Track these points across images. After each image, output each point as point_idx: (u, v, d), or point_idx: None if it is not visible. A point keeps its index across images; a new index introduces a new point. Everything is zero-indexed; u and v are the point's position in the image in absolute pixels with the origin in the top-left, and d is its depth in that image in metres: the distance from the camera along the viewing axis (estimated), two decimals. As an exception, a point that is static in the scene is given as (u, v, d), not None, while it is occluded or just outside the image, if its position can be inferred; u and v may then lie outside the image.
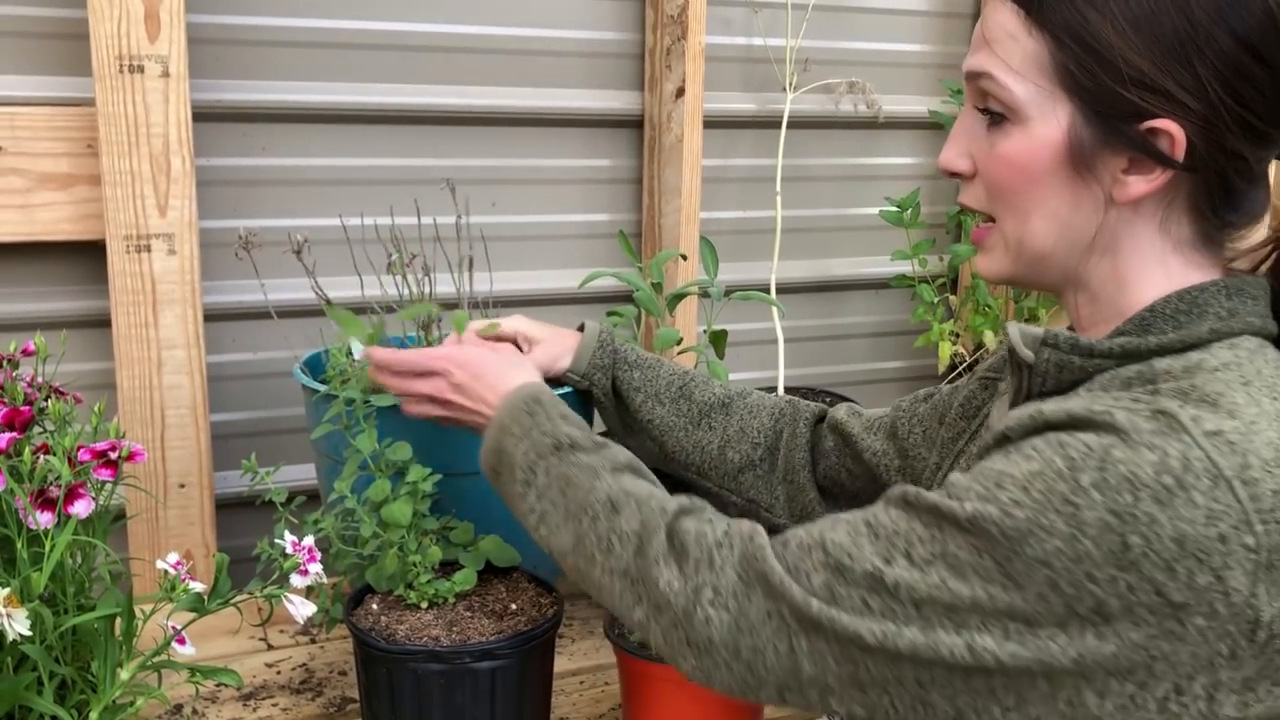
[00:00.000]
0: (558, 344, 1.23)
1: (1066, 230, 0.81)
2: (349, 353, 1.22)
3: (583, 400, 1.30)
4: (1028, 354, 0.81)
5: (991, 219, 0.85)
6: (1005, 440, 0.74)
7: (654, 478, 0.94)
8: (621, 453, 0.95)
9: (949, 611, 0.70)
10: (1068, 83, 0.77)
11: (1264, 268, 0.85)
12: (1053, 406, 0.73)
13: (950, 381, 1.13)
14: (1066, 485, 0.67)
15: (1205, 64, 0.74)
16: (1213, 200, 0.79)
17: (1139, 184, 0.77)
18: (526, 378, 1.06)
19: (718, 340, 1.51)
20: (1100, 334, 0.83)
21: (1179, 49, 0.74)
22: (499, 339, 1.23)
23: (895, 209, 1.81)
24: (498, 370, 1.08)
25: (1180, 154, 0.75)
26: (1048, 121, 0.78)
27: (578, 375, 1.24)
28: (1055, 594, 0.67)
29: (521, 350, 1.22)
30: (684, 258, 1.67)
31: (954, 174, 0.86)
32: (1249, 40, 0.74)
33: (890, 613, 0.71)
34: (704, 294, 1.50)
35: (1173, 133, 0.75)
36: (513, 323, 1.24)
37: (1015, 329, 0.82)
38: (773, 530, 0.82)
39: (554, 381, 1.22)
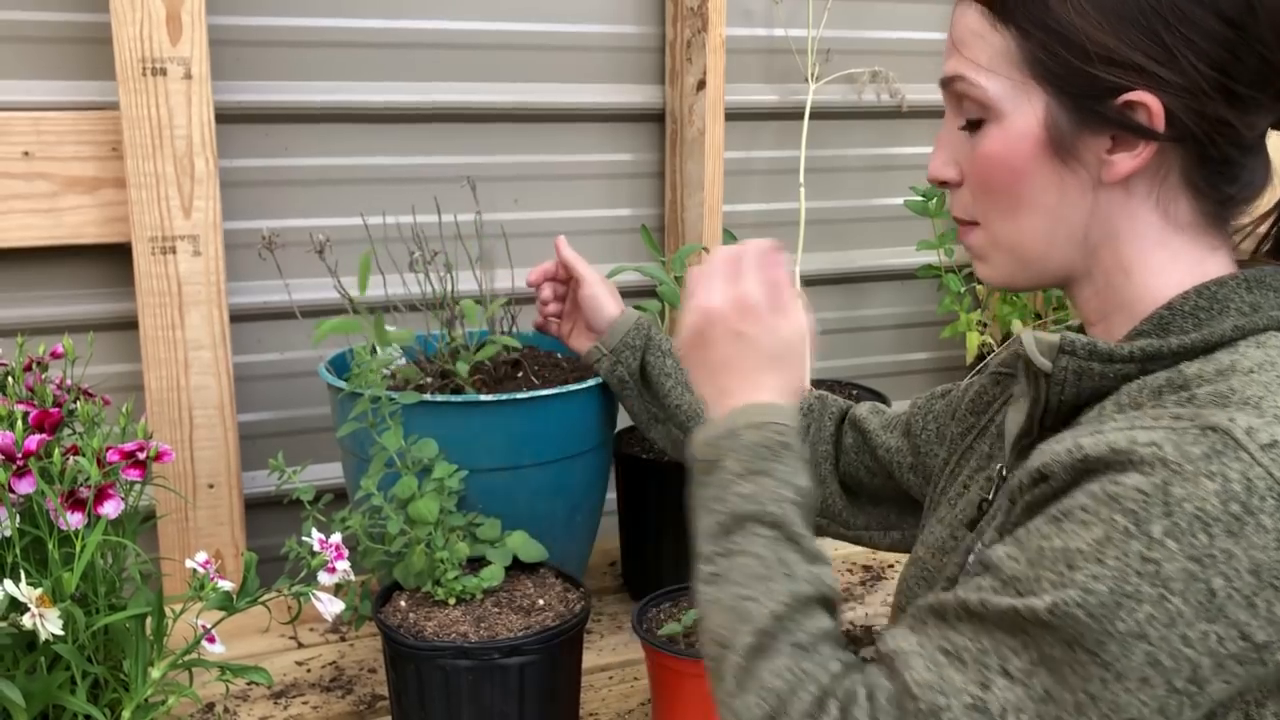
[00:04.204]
0: (608, 295, 1.27)
1: (1059, 223, 0.79)
2: (373, 350, 1.22)
3: (607, 395, 1.30)
4: (1045, 363, 0.78)
5: (974, 223, 0.84)
6: (1043, 479, 0.70)
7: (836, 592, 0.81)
8: (825, 574, 0.80)
9: None
10: (1038, 71, 0.76)
11: (1267, 245, 0.82)
12: (1091, 439, 0.68)
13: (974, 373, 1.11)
14: (1140, 542, 0.63)
15: (1173, 33, 0.72)
16: (1207, 173, 0.76)
17: (1125, 161, 0.75)
18: (787, 399, 0.86)
19: (742, 333, 1.50)
20: (1111, 328, 0.81)
21: (1144, 21, 0.72)
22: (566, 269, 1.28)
23: (920, 198, 1.80)
24: (780, 356, 0.86)
25: (1160, 124, 0.73)
26: (1023, 113, 0.77)
27: (605, 350, 1.25)
28: (1157, 673, 0.63)
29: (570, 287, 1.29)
30: (707, 251, 1.66)
31: (943, 183, 0.85)
32: (1218, 6, 0.72)
33: None
34: (728, 287, 1.50)
35: (1148, 103, 0.73)
36: (589, 272, 1.28)
37: (1029, 336, 0.80)
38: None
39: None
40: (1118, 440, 0.67)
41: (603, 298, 1.27)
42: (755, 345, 0.85)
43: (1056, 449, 0.70)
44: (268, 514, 1.55)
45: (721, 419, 0.84)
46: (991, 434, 0.95)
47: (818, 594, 0.77)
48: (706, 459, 0.83)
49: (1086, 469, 0.67)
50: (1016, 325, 1.83)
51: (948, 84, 0.82)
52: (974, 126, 0.80)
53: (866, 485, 1.16)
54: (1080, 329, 0.94)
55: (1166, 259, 0.78)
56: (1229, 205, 0.79)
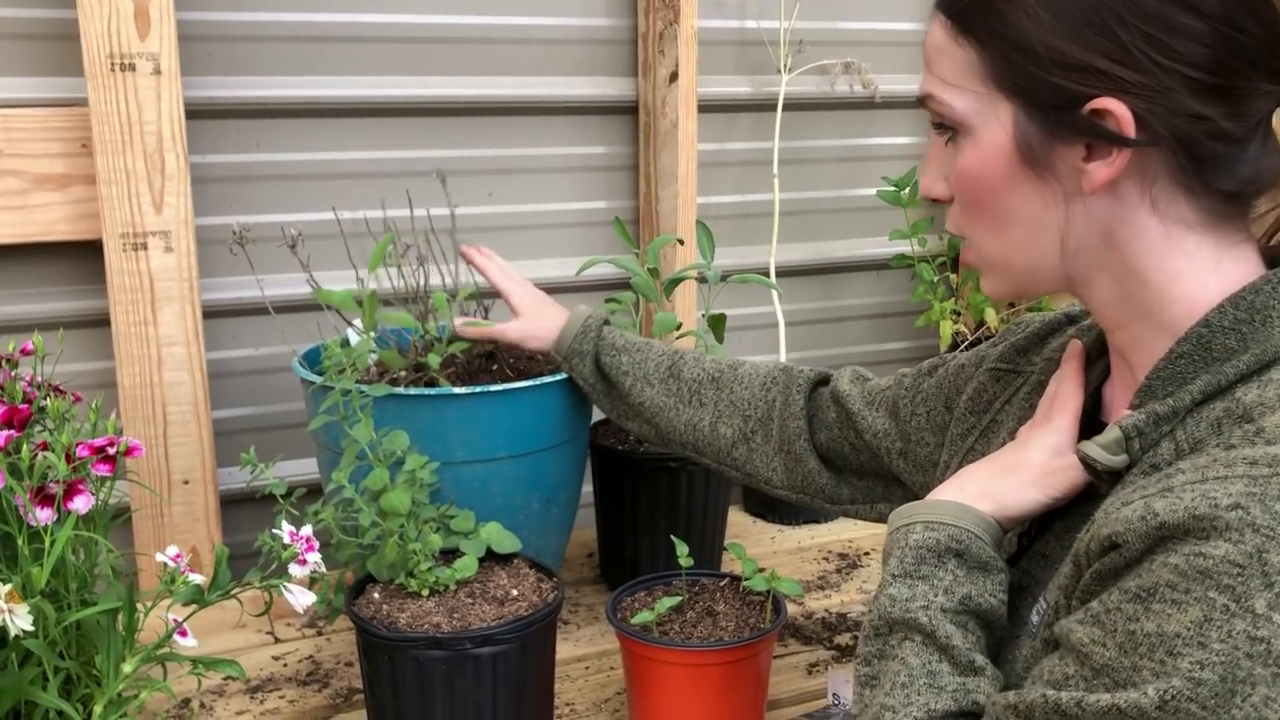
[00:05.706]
0: (535, 323, 1.28)
1: (1044, 235, 0.77)
2: (345, 343, 1.22)
3: (578, 388, 1.31)
4: (1121, 460, 0.74)
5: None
6: (1114, 548, 0.66)
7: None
8: (977, 684, 0.76)
9: None
10: (1001, 82, 0.74)
11: (1278, 236, 0.78)
12: (1165, 503, 0.64)
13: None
14: (1244, 621, 0.59)
15: (1128, 28, 0.69)
16: (1197, 171, 0.72)
17: (1101, 170, 0.72)
18: (984, 503, 0.82)
19: (716, 324, 1.51)
20: (1134, 336, 0.77)
21: (1096, 19, 0.69)
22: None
23: (893, 188, 1.80)
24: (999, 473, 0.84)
25: (1130, 130, 0.70)
26: (991, 126, 0.75)
27: (559, 357, 1.25)
28: None
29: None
30: (681, 243, 1.67)
31: (936, 199, 0.83)
32: None
33: None
34: (701, 279, 1.50)
35: (1115, 110, 0.70)
36: (511, 289, 1.30)
37: (1094, 449, 0.75)
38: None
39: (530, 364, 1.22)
40: (1196, 504, 0.62)
41: (532, 324, 1.29)
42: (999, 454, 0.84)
43: (1127, 514, 0.66)
44: (244, 509, 1.54)
45: (911, 506, 0.83)
46: (1000, 435, 0.92)
47: (957, 709, 0.73)
48: (886, 547, 0.82)
49: (1164, 537, 0.63)
50: (990, 314, 1.84)
51: (923, 102, 0.80)
52: (952, 138, 0.79)
53: (851, 461, 1.15)
54: (1074, 318, 0.93)
55: (1183, 262, 0.74)
56: (1236, 200, 0.74)
